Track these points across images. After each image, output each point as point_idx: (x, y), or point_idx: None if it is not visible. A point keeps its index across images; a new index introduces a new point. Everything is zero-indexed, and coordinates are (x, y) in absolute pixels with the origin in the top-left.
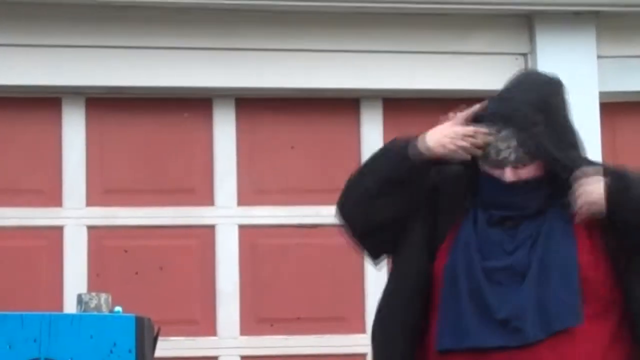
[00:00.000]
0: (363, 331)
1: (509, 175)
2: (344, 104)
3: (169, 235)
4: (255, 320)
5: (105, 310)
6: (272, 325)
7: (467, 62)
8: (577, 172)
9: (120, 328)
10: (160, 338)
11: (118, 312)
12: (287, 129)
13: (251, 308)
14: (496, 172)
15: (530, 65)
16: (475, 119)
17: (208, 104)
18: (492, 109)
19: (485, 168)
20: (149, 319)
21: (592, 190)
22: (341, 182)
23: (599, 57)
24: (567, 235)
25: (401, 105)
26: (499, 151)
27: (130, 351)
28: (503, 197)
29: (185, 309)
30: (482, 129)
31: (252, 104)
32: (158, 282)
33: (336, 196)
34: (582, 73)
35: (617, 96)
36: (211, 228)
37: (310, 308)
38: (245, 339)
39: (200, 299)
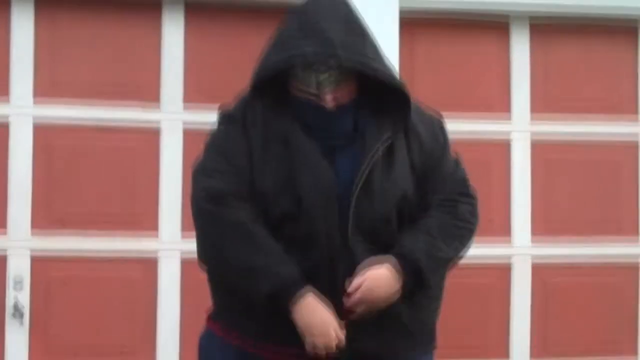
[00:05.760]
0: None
1: (329, 101)
2: (146, 7)
3: None
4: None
5: None
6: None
7: None
8: (362, 264)
9: None
10: None
11: None
12: (88, 27)
13: (44, 206)
14: (313, 98)
15: None
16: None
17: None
18: (312, 52)
19: (300, 92)
20: None
21: (377, 295)
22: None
23: None
24: None
25: (205, 10)
26: (318, 75)
27: None
28: (325, 123)
29: None
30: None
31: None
32: None
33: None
34: None
35: (416, 13)
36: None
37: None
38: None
39: None
